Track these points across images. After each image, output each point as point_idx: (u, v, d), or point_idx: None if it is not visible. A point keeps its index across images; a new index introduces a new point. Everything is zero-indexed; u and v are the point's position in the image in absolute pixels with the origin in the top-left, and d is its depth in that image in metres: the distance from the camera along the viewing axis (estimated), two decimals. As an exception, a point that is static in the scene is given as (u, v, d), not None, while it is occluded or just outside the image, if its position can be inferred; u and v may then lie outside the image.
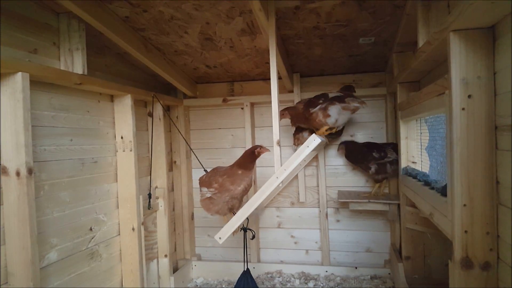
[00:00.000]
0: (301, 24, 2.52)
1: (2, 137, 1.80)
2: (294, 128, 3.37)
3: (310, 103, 2.94)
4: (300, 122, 3.11)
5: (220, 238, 2.54)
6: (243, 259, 2.93)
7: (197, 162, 3.63)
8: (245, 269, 2.94)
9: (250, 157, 2.62)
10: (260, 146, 2.64)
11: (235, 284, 2.95)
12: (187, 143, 3.67)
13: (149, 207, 3.04)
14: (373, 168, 3.19)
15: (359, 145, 3.33)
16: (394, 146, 3.20)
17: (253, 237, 2.97)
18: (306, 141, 2.40)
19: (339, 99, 2.87)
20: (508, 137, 1.31)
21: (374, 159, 3.16)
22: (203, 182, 2.70)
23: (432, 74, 2.31)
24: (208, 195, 2.62)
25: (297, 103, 3.19)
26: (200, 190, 2.73)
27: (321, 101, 2.87)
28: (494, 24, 1.38)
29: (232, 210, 2.65)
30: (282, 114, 3.09)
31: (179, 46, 2.87)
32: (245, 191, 2.64)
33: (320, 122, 2.88)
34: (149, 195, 3.06)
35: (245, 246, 2.93)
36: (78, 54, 2.26)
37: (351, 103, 2.87)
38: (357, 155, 3.29)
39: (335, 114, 2.84)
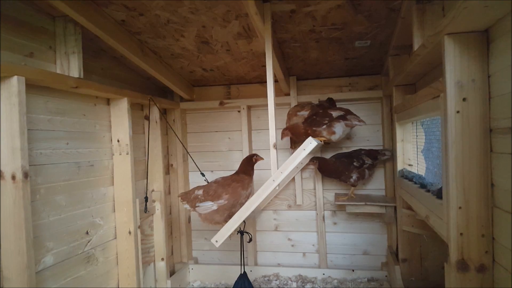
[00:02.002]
0: (297, 27, 2.53)
1: (-2, 141, 1.80)
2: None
3: (314, 122, 3.06)
4: (301, 138, 3.17)
5: (216, 241, 2.54)
6: (240, 262, 2.93)
7: (194, 165, 3.63)
8: (242, 272, 2.94)
9: (249, 164, 2.79)
10: (256, 155, 2.80)
11: (232, 287, 2.95)
12: (183, 146, 3.67)
13: (145, 210, 3.03)
14: (354, 177, 3.23)
15: (331, 161, 3.32)
16: (366, 152, 3.32)
17: (250, 240, 2.97)
18: (302, 144, 2.40)
19: (342, 118, 3.06)
20: (502, 140, 1.32)
21: (355, 168, 3.22)
22: (208, 196, 2.70)
23: (428, 77, 2.33)
24: (215, 207, 2.64)
25: (294, 121, 3.25)
26: (196, 206, 2.71)
27: (326, 121, 3.03)
28: (488, 27, 1.40)
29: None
30: (283, 133, 3.23)
31: (175, 49, 2.87)
32: (250, 195, 2.75)
33: (324, 138, 3.05)
34: (146, 199, 3.06)
35: (242, 249, 2.93)
36: (74, 57, 2.26)
37: (353, 121, 3.07)
38: (336, 169, 3.27)
39: (339, 131, 3.04)
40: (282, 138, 3.23)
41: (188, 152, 3.67)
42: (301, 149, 2.39)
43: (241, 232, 2.90)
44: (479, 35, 1.42)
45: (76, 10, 1.99)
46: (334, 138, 3.02)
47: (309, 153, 2.53)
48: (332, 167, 3.27)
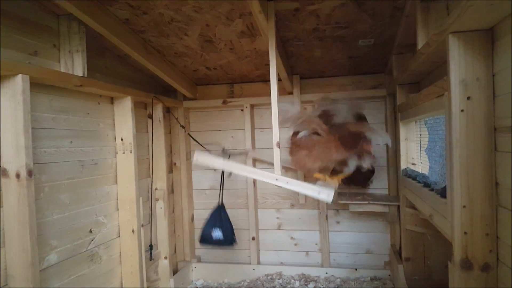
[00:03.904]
0: (301, 26, 2.53)
1: (2, 139, 1.81)
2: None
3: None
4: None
5: (197, 159, 2.54)
6: (243, 261, 2.97)
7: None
8: (221, 204, 3.26)
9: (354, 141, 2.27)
10: (367, 142, 2.22)
11: (207, 218, 3.24)
12: (187, 136, 3.67)
13: (151, 258, 3.05)
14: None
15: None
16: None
17: (230, 175, 3.31)
18: (322, 187, 2.29)
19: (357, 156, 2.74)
20: (507, 139, 1.31)
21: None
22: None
23: (432, 75, 2.32)
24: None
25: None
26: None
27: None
28: (492, 26, 1.39)
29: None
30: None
31: (179, 48, 2.87)
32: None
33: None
34: (151, 247, 3.06)
35: (222, 183, 3.24)
36: (78, 56, 2.27)
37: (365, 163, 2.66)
38: (365, 177, 3.22)
39: (352, 166, 2.80)
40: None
41: (189, 135, 3.66)
42: (316, 189, 2.26)
43: (223, 150, 3.26)
44: (484, 34, 1.42)
45: (80, 9, 2.00)
46: (346, 170, 2.85)
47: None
48: (363, 175, 3.17)
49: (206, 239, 3.23)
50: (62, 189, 2.24)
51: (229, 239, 3.22)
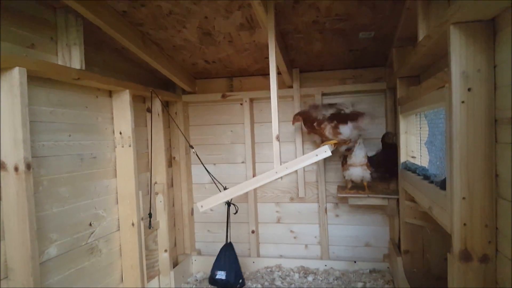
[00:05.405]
0: (301, 18, 2.51)
1: (0, 133, 1.80)
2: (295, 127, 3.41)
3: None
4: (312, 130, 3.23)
5: (202, 206, 2.66)
6: (243, 254, 2.98)
7: (196, 158, 3.64)
8: (228, 242, 3.14)
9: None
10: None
11: (216, 258, 3.15)
12: (186, 140, 3.66)
13: (150, 226, 3.03)
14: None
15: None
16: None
17: (236, 211, 3.17)
18: (316, 149, 2.39)
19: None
20: (507, 130, 1.31)
21: None
22: None
23: (432, 68, 2.31)
24: None
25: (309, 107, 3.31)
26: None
27: (333, 124, 3.05)
28: (494, 17, 1.38)
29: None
30: (295, 118, 3.28)
31: (177, 41, 2.86)
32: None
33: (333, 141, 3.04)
34: (150, 215, 3.04)
35: (228, 220, 3.16)
36: (76, 49, 2.25)
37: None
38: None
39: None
40: (293, 123, 3.31)
41: (191, 146, 3.65)
42: (313, 154, 2.37)
43: (228, 203, 3.10)
44: (486, 24, 1.41)
45: (77, 1, 1.98)
46: (341, 137, 3.04)
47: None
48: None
49: (212, 280, 3.15)
50: (61, 183, 2.23)
51: (231, 282, 3.08)
